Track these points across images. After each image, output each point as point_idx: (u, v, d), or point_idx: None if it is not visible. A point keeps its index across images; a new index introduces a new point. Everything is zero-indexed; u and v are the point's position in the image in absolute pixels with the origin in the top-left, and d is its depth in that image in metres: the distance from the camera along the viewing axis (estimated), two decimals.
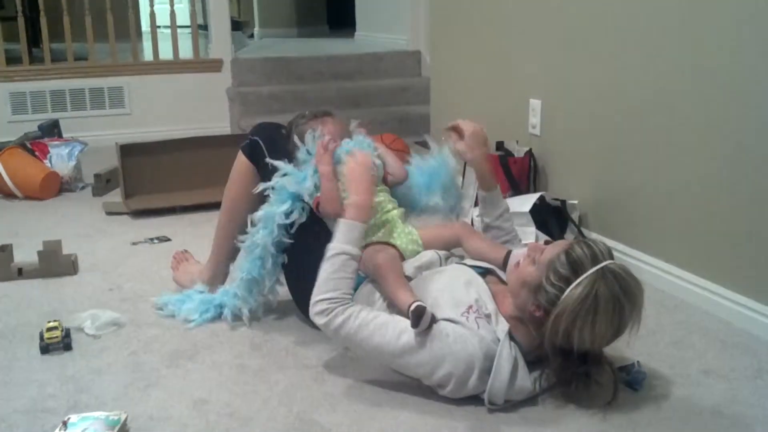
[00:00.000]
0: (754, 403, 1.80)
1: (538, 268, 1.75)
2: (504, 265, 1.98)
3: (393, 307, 1.86)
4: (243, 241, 2.15)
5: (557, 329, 1.69)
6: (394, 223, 2.10)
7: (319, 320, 1.82)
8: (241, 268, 2.17)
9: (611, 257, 1.72)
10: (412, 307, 1.73)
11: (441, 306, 1.80)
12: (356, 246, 1.88)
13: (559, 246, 1.76)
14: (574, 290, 1.67)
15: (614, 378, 1.78)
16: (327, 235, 1.92)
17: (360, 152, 2.05)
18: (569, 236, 2.75)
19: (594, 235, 2.77)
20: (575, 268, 1.69)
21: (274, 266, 2.13)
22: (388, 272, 1.89)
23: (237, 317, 2.22)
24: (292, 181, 2.06)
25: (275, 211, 2.05)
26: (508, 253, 2.00)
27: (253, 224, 2.10)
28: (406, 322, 1.77)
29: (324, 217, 2.05)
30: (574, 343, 1.69)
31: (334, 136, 2.14)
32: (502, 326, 1.77)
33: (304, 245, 2.06)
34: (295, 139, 2.16)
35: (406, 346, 1.75)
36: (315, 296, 1.83)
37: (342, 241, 1.87)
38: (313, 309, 1.83)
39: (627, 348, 1.80)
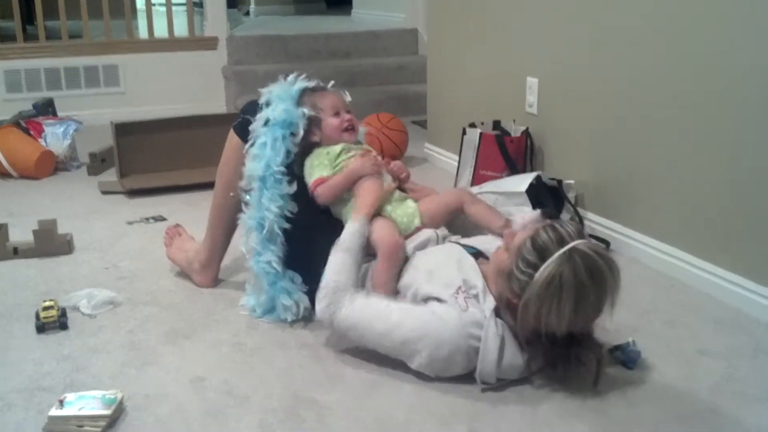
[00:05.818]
0: (751, 382, 1.81)
1: (510, 256, 1.73)
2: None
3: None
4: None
5: (527, 315, 1.68)
6: (394, 202, 2.09)
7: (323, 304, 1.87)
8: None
9: (581, 237, 1.68)
10: None
11: (433, 284, 1.83)
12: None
13: (527, 231, 1.74)
14: (540, 275, 1.65)
15: (597, 361, 1.76)
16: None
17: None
18: (566, 216, 2.74)
19: (590, 215, 2.78)
20: (542, 253, 1.66)
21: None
22: (385, 264, 1.94)
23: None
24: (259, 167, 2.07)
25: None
26: (508, 221, 2.01)
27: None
28: (400, 305, 1.84)
29: (318, 201, 2.07)
30: (543, 327, 1.68)
31: (338, 109, 2.19)
32: (489, 304, 1.77)
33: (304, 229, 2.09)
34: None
35: (395, 322, 1.79)
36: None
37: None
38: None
39: (610, 328, 1.81)
